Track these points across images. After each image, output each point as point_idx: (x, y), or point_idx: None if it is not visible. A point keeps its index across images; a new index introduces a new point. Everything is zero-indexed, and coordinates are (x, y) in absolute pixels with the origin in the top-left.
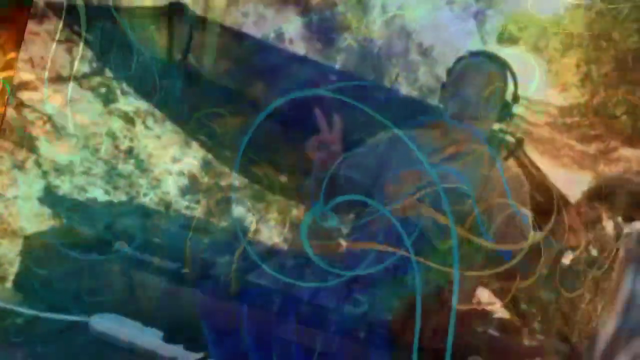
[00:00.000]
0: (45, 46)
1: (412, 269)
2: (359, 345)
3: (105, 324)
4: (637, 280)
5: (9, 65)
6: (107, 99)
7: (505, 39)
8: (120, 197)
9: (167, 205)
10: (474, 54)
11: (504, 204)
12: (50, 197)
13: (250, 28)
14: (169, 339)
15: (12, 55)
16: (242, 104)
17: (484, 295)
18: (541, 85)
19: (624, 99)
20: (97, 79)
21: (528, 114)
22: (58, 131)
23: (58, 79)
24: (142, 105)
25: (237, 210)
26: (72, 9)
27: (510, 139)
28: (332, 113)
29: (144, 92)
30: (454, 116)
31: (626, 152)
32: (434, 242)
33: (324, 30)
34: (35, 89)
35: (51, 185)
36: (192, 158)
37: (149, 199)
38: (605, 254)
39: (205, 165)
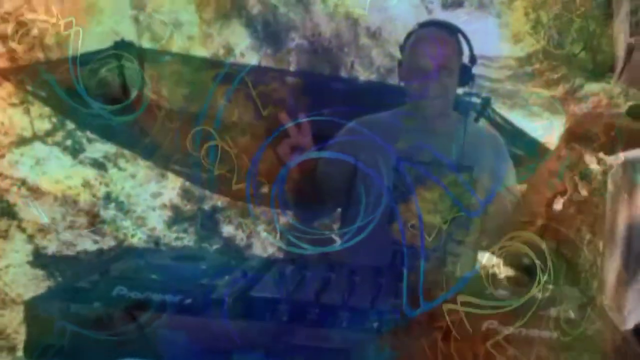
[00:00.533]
0: (2, 112)
1: (411, 255)
2: (373, 335)
3: None
4: (632, 210)
5: None
6: (75, 150)
7: (450, 4)
8: (109, 243)
9: (157, 241)
10: (423, 25)
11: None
12: (40, 259)
13: (199, 49)
14: None
15: None
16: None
17: (485, 258)
18: (495, 40)
19: (580, 35)
20: (60, 133)
21: (489, 72)
22: (34, 193)
23: (22, 142)
24: (111, 148)
25: (227, 230)
26: (22, 69)
27: (476, 100)
28: (297, 114)
29: (107, 135)
30: (416, 91)
31: (592, 87)
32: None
33: (271, 36)
34: (2, 156)
35: (39, 247)
36: (171, 189)
37: (137, 239)
38: (595, 191)
39: (185, 193)
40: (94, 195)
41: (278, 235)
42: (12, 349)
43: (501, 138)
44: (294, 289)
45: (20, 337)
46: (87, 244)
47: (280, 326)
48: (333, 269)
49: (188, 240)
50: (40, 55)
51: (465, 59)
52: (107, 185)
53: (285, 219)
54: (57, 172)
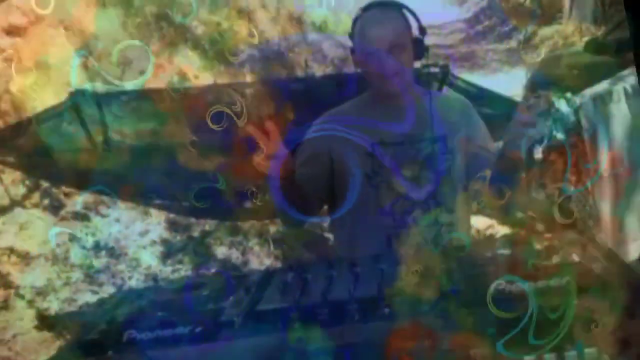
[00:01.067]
0: None
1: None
2: (386, 322)
3: None
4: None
5: None
6: (55, 208)
7: None
8: (108, 290)
9: (155, 278)
10: (366, 9)
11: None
12: (45, 322)
13: (153, 81)
14: None
15: None
16: (180, 152)
17: (480, 222)
18: (439, 7)
19: None
20: (36, 194)
21: (441, 39)
22: (24, 258)
23: (1, 211)
24: (89, 197)
25: (220, 252)
26: None
27: (435, 70)
28: (263, 122)
29: (81, 184)
30: (374, 74)
31: (545, 31)
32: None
33: (221, 52)
34: None
35: (41, 310)
36: (157, 224)
37: (135, 280)
38: (571, 132)
39: (172, 225)
40: (83, 247)
41: (272, 245)
42: None
43: (467, 101)
44: (299, 294)
45: None
46: (87, 296)
47: (294, 333)
48: (333, 266)
49: (185, 270)
50: None
51: (415, 32)
52: (93, 234)
53: (275, 227)
54: (42, 233)
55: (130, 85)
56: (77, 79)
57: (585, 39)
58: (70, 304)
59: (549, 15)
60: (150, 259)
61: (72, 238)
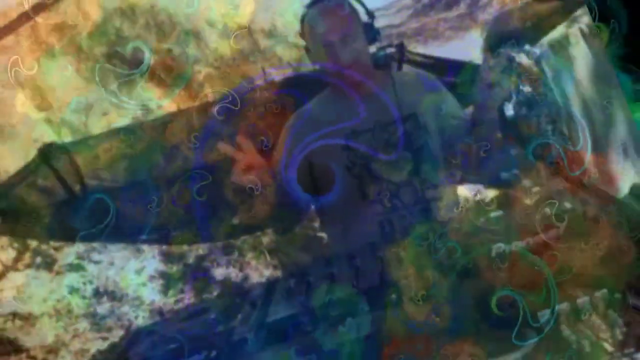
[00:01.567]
0: None
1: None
2: (396, 307)
3: None
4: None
5: None
6: (48, 264)
7: None
8: (117, 334)
9: (160, 312)
10: (310, 5)
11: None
12: None
13: (118, 120)
14: None
15: None
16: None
17: (466, 190)
18: None
19: None
20: (27, 255)
21: (390, 19)
22: (27, 320)
23: None
24: (79, 247)
25: (219, 272)
26: None
27: (391, 50)
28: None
29: (68, 236)
30: (331, 67)
31: None
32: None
33: (177, 77)
34: None
35: None
36: (151, 258)
37: (142, 319)
38: (537, 84)
39: (166, 257)
40: (84, 297)
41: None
42: None
43: (429, 74)
44: (305, 298)
45: None
46: (98, 344)
47: (309, 337)
48: (332, 263)
49: (188, 298)
50: None
51: (364, 17)
52: (91, 282)
53: (268, 238)
54: (40, 291)
55: (96, 129)
56: (43, 134)
57: None
58: (83, 354)
59: None
60: (151, 294)
61: (72, 290)
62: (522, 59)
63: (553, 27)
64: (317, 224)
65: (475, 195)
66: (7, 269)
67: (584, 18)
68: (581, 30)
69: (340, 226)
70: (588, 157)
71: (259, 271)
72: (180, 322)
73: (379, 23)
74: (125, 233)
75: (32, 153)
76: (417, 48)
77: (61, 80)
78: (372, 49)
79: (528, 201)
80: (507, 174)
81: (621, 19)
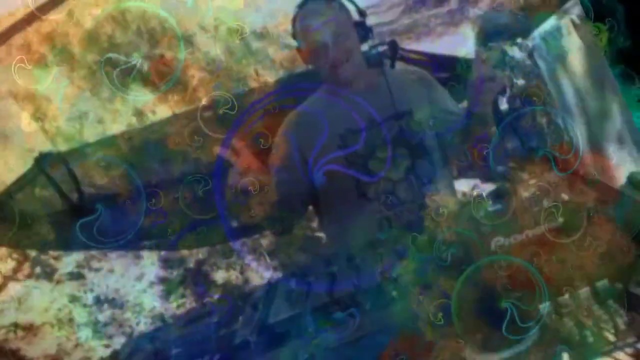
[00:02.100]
0: None
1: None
2: (398, 305)
3: None
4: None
5: None
6: (47, 274)
7: None
8: (120, 340)
9: (162, 318)
10: (301, 5)
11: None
12: None
13: (114, 127)
14: None
15: None
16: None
17: (463, 184)
18: None
19: None
20: (26, 265)
21: (382, 17)
22: (30, 331)
23: None
24: (78, 256)
25: (219, 276)
26: None
27: (383, 47)
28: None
29: (67, 245)
30: (324, 67)
31: None
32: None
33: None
34: None
35: None
36: (151, 264)
37: (144, 325)
38: (530, 76)
39: (166, 262)
40: (85, 305)
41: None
42: None
43: (423, 70)
44: (306, 298)
45: None
46: (100, 352)
47: (311, 338)
48: (332, 263)
49: (189, 303)
50: None
51: (355, 16)
52: (92, 290)
53: (267, 240)
54: (41, 302)
55: (91, 137)
56: (38, 144)
57: None
58: None
59: None
60: (152, 300)
61: (73, 299)
62: (515, 52)
63: (545, 19)
64: (315, 224)
65: (473, 189)
66: (7, 279)
67: (575, 9)
68: (573, 21)
69: (338, 225)
70: (582, 148)
71: (259, 273)
72: (183, 327)
73: (370, 21)
74: (124, 240)
75: (28, 163)
76: (410, 45)
77: (55, 89)
78: (365, 47)
79: (526, 194)
80: (503, 167)
81: (618, 15)
